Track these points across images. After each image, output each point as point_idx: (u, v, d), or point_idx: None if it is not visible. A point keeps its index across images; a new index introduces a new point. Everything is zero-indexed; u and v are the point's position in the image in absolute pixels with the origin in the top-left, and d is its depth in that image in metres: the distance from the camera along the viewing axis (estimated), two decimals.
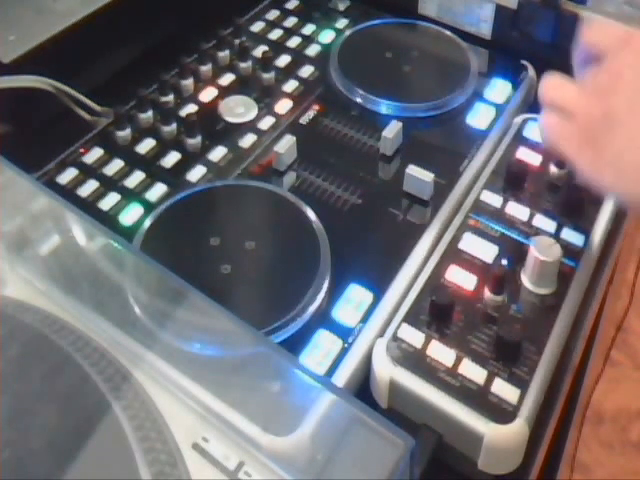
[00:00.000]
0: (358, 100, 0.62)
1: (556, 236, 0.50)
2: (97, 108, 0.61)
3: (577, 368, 0.53)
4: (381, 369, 0.43)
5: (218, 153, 0.58)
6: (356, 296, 0.48)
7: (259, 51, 0.66)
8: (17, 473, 0.32)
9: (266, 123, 0.60)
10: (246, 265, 0.49)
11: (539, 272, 0.46)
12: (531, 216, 0.51)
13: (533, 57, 0.64)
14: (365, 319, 0.46)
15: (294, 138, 0.57)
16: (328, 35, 0.70)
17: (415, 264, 0.49)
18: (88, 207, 0.53)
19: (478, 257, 0.49)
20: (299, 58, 0.67)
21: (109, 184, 0.55)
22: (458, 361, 0.43)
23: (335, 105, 0.62)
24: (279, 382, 0.37)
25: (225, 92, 0.63)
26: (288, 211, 0.52)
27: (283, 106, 0.62)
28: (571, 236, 0.50)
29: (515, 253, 0.49)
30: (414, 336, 0.44)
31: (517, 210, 0.52)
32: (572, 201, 0.51)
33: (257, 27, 0.70)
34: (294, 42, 0.69)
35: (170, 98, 0.62)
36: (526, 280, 0.47)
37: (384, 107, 0.61)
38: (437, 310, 0.45)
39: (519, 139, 0.57)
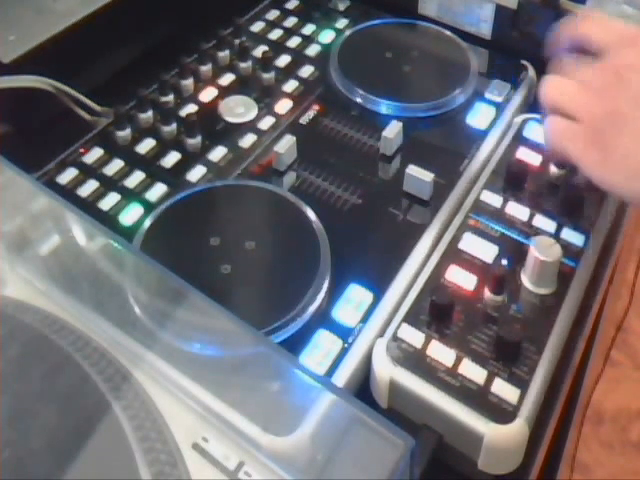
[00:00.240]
0: (358, 100, 0.62)
1: (556, 236, 0.50)
2: (97, 108, 0.61)
3: (577, 368, 0.53)
4: (381, 369, 0.43)
5: (218, 153, 0.58)
6: (356, 296, 0.48)
7: (259, 51, 0.66)
8: (17, 473, 0.32)
9: (266, 123, 0.60)
10: (246, 265, 0.49)
11: (539, 272, 0.46)
12: (531, 216, 0.51)
13: (533, 57, 0.64)
14: (365, 319, 0.46)
15: (294, 138, 0.57)
16: (328, 35, 0.70)
17: (415, 264, 0.49)
18: (88, 207, 0.53)
19: (478, 257, 0.49)
20: (299, 58, 0.67)
21: (109, 184, 0.55)
22: (458, 361, 0.43)
23: (335, 105, 0.62)
24: (279, 382, 0.37)
25: (225, 92, 0.63)
26: (288, 211, 0.52)
27: (283, 106, 0.62)
28: (571, 236, 0.50)
29: (515, 253, 0.49)
30: (414, 336, 0.44)
31: (517, 210, 0.51)
32: (572, 201, 0.51)
33: (257, 27, 0.70)
34: (294, 42, 0.69)
35: (170, 98, 0.62)
36: (526, 280, 0.47)
37: (384, 107, 0.61)
38: (437, 310, 0.45)
39: (519, 139, 0.57)
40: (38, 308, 0.39)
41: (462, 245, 0.49)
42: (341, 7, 0.73)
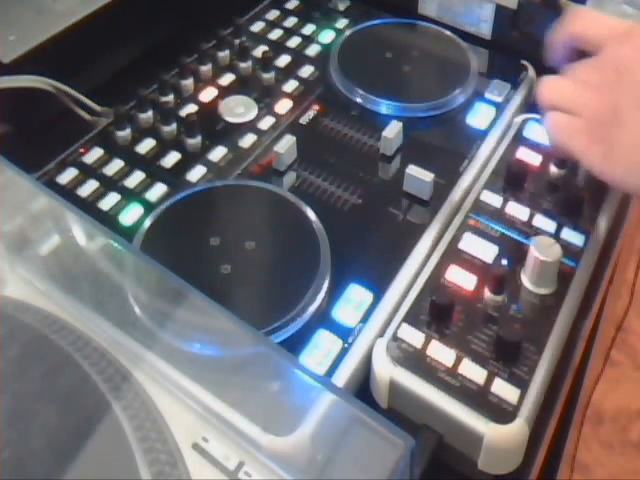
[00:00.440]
0: (358, 100, 0.62)
1: (556, 236, 0.50)
2: (97, 108, 0.61)
3: (577, 368, 0.53)
4: (381, 369, 0.43)
5: (218, 153, 0.58)
6: (356, 296, 0.48)
7: (259, 51, 0.66)
8: (17, 473, 0.32)
9: (266, 123, 0.60)
10: (246, 265, 0.49)
11: (539, 272, 0.46)
12: (531, 216, 0.51)
13: (533, 57, 0.64)
14: (365, 319, 0.46)
15: (294, 138, 0.57)
16: (328, 35, 0.70)
17: (415, 264, 0.49)
18: (88, 207, 0.53)
19: (478, 257, 0.49)
20: (299, 58, 0.67)
21: (109, 184, 0.55)
22: (458, 361, 0.43)
23: (335, 105, 0.62)
24: (279, 382, 0.37)
25: (225, 92, 0.63)
26: (288, 211, 0.52)
27: (283, 106, 0.62)
28: (571, 236, 0.50)
29: (515, 253, 0.49)
30: (414, 336, 0.44)
31: (517, 210, 0.51)
32: (572, 201, 0.51)
33: (257, 27, 0.70)
34: (294, 42, 0.69)
35: (170, 98, 0.62)
36: (526, 280, 0.47)
37: (384, 107, 0.61)
38: (437, 310, 0.45)
39: (519, 139, 0.57)
40: (38, 308, 0.39)
41: (462, 245, 0.49)
42: (341, 7, 0.73)
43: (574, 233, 0.50)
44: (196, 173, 0.56)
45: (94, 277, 0.42)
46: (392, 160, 0.58)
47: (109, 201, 0.54)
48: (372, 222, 0.53)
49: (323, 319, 0.46)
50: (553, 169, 0.54)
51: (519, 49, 0.66)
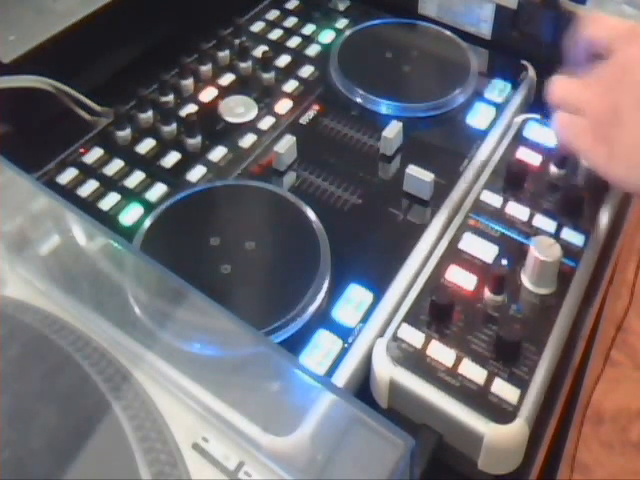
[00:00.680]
0: (358, 100, 0.62)
1: (556, 236, 0.50)
2: (97, 108, 0.61)
3: (577, 368, 0.53)
4: (381, 369, 0.43)
5: (218, 153, 0.58)
6: (356, 296, 0.48)
7: (259, 51, 0.66)
8: (17, 473, 0.32)
9: (266, 123, 0.60)
10: (246, 265, 0.49)
11: (539, 272, 0.46)
12: (531, 216, 0.51)
13: (533, 57, 0.64)
14: (365, 319, 0.46)
15: (294, 138, 0.57)
16: (328, 35, 0.70)
17: (415, 264, 0.49)
18: (88, 207, 0.53)
19: (478, 257, 0.49)
20: (299, 58, 0.67)
21: (109, 184, 0.55)
22: (458, 361, 0.43)
23: (335, 105, 0.62)
24: (279, 382, 0.37)
25: (225, 92, 0.63)
26: (288, 211, 0.52)
27: (283, 106, 0.62)
28: (571, 236, 0.50)
29: (515, 253, 0.49)
30: (414, 336, 0.44)
31: (517, 210, 0.51)
32: (572, 201, 0.51)
33: (257, 27, 0.70)
34: (294, 42, 0.69)
35: (170, 98, 0.62)
36: (526, 280, 0.47)
37: (384, 107, 0.61)
38: (437, 310, 0.45)
39: (519, 139, 0.57)
40: (38, 308, 0.39)
41: (462, 245, 0.49)
42: (341, 7, 0.73)
43: (574, 233, 0.50)
44: (196, 173, 0.56)
45: (94, 277, 0.42)
46: (392, 160, 0.58)
47: (109, 201, 0.54)
48: (372, 222, 0.53)
49: (323, 319, 0.46)
50: (553, 169, 0.54)
51: (519, 49, 0.66)
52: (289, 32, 0.70)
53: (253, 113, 0.61)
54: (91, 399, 0.35)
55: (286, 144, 0.56)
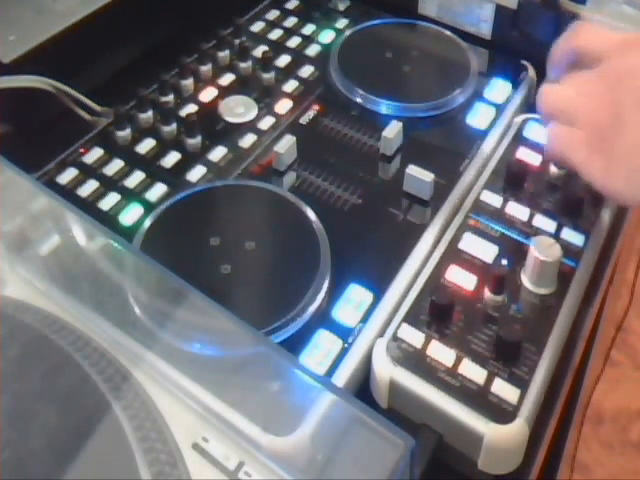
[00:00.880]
0: (358, 100, 0.62)
1: (556, 236, 0.50)
2: (97, 108, 0.61)
3: (577, 368, 0.53)
4: (381, 369, 0.43)
5: (218, 153, 0.58)
6: (356, 296, 0.48)
7: (259, 51, 0.66)
8: (17, 473, 0.32)
9: (266, 123, 0.60)
10: (246, 265, 0.49)
11: (539, 272, 0.46)
12: (531, 216, 0.51)
13: (533, 57, 0.64)
14: (365, 319, 0.46)
15: (294, 138, 0.57)
16: (328, 35, 0.70)
17: (415, 264, 0.49)
18: (88, 207, 0.53)
19: (478, 257, 0.49)
20: (299, 58, 0.67)
21: (109, 184, 0.55)
22: (458, 361, 0.43)
23: (335, 105, 0.62)
24: (279, 382, 0.37)
25: (225, 92, 0.63)
26: (288, 211, 0.52)
27: (283, 106, 0.62)
28: (571, 236, 0.50)
29: (515, 253, 0.49)
30: (414, 336, 0.44)
31: (517, 210, 0.51)
32: (572, 201, 0.51)
33: (257, 27, 0.70)
34: (294, 42, 0.69)
35: (170, 98, 0.62)
36: (526, 280, 0.47)
37: (384, 107, 0.61)
38: (437, 310, 0.45)
39: (519, 139, 0.57)
40: (38, 308, 0.39)
41: (462, 245, 0.49)
42: (341, 7, 0.73)
43: (574, 233, 0.50)
44: (196, 173, 0.56)
45: (94, 277, 0.42)
46: (392, 160, 0.58)
47: (109, 201, 0.54)
48: (372, 222, 0.53)
49: (323, 319, 0.46)
50: (553, 169, 0.54)
51: (519, 49, 0.66)
52: (289, 32, 0.70)
53: (253, 113, 0.61)
54: (91, 399, 0.35)
55: (286, 144, 0.56)
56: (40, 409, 0.35)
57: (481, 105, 0.62)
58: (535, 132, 0.57)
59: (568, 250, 0.49)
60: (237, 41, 0.66)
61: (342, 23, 0.71)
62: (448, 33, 0.68)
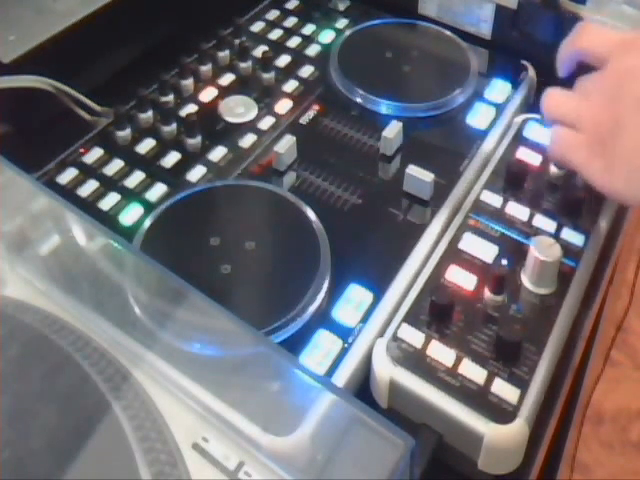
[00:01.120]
0: (358, 100, 0.62)
1: (556, 236, 0.50)
2: (97, 108, 0.61)
3: (577, 368, 0.53)
4: (381, 369, 0.43)
5: (218, 153, 0.58)
6: (356, 296, 0.48)
7: (259, 51, 0.66)
8: (17, 473, 0.32)
9: (266, 123, 0.60)
10: (246, 265, 0.49)
11: (539, 272, 0.46)
12: (531, 216, 0.51)
13: (533, 57, 0.64)
14: (365, 319, 0.46)
15: (294, 138, 0.57)
16: (328, 35, 0.70)
17: (415, 264, 0.49)
18: (88, 207, 0.53)
19: (478, 257, 0.49)
20: (299, 58, 0.67)
21: (109, 184, 0.55)
22: (458, 361, 0.43)
23: (335, 105, 0.62)
24: (279, 382, 0.37)
25: (225, 92, 0.63)
26: (288, 211, 0.52)
27: (283, 106, 0.62)
28: (571, 236, 0.50)
29: (515, 253, 0.49)
30: (414, 336, 0.44)
31: (517, 210, 0.52)
32: (572, 201, 0.51)
33: (257, 27, 0.70)
34: (294, 42, 0.69)
35: (170, 98, 0.62)
36: (526, 280, 0.47)
37: (384, 107, 0.61)
38: (437, 310, 0.45)
39: (519, 139, 0.57)
40: (38, 308, 0.39)
41: (462, 245, 0.49)
42: (341, 7, 0.73)
43: (574, 233, 0.50)
44: (196, 173, 0.56)
45: (94, 277, 0.42)
46: (392, 160, 0.58)
47: (109, 201, 0.54)
48: (372, 222, 0.53)
49: (323, 319, 0.46)
50: (553, 169, 0.54)
51: (519, 49, 0.66)
52: (289, 32, 0.70)
53: (253, 113, 0.61)
54: (91, 399, 0.35)
55: (286, 144, 0.56)
56: (40, 409, 0.35)
57: (481, 105, 0.62)
58: (535, 132, 0.57)
59: (568, 250, 0.49)
60: (237, 41, 0.67)
61: (342, 23, 0.71)
62: (448, 33, 0.68)
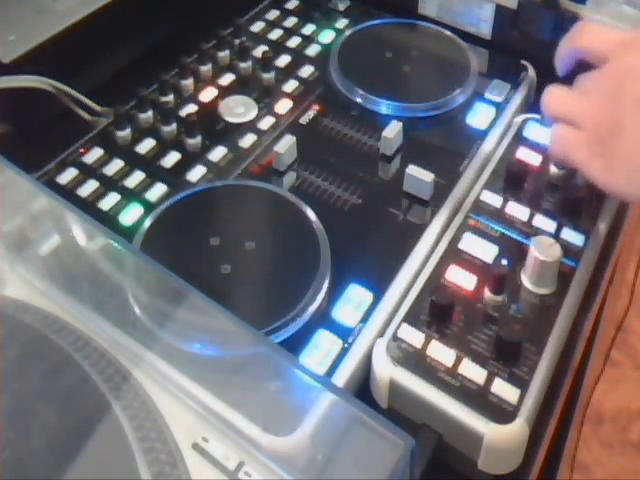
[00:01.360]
0: (358, 100, 0.62)
1: (556, 236, 0.50)
2: (97, 108, 0.61)
3: (577, 368, 0.53)
4: (381, 369, 0.43)
5: (218, 153, 0.58)
6: (356, 296, 0.48)
7: (259, 51, 0.66)
8: (17, 473, 0.32)
9: (266, 123, 0.60)
10: (246, 265, 0.49)
11: (539, 272, 0.46)
12: (531, 216, 0.51)
13: (533, 57, 0.64)
14: (365, 319, 0.46)
15: (294, 138, 0.57)
16: (328, 35, 0.70)
17: (415, 264, 0.49)
18: (88, 207, 0.53)
19: (478, 257, 0.49)
20: (299, 58, 0.67)
21: (109, 184, 0.55)
22: (458, 361, 0.43)
23: (335, 105, 0.62)
24: (279, 382, 0.37)
25: (225, 92, 0.63)
26: (288, 211, 0.52)
27: (283, 106, 0.62)
28: (571, 236, 0.50)
29: (515, 253, 0.49)
30: (414, 336, 0.44)
31: (517, 210, 0.51)
32: (572, 201, 0.51)
33: (257, 27, 0.70)
34: (294, 42, 0.69)
35: (170, 98, 0.62)
36: (526, 280, 0.47)
37: (384, 107, 0.61)
38: (437, 310, 0.45)
39: (519, 139, 0.57)
40: (38, 308, 0.39)
41: (462, 245, 0.49)
42: (341, 7, 0.73)
43: (574, 233, 0.50)
44: (196, 173, 0.56)
45: (94, 277, 0.42)
46: (392, 160, 0.58)
47: (109, 201, 0.54)
48: (372, 222, 0.53)
49: (323, 319, 0.46)
50: (553, 169, 0.54)
51: (519, 49, 0.66)
52: (289, 32, 0.70)
53: (253, 113, 0.61)
54: (91, 399, 0.35)
55: (286, 144, 0.56)
56: (40, 409, 0.35)
57: (481, 105, 0.62)
58: (535, 132, 0.57)
59: (568, 250, 0.49)
60: (237, 41, 0.67)
61: (342, 23, 0.71)
62: (448, 33, 0.68)
